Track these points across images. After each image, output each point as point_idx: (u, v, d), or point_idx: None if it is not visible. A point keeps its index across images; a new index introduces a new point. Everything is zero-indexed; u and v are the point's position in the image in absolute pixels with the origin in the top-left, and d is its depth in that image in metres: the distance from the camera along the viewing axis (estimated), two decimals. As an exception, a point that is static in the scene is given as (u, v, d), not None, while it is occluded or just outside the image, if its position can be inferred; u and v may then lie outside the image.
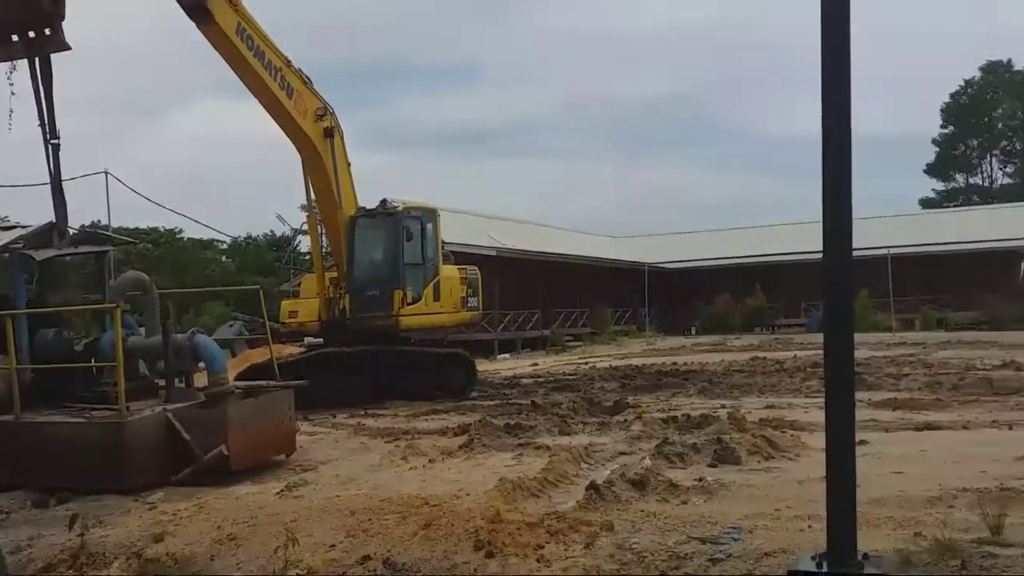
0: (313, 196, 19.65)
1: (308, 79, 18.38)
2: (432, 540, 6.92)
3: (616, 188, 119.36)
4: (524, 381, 22.85)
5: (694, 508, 7.99)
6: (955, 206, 67.85)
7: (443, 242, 21.81)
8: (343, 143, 19.28)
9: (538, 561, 6.50)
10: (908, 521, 7.30)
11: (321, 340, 20.38)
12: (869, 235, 46.71)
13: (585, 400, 16.76)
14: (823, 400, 3.94)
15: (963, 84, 73.75)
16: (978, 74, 73.04)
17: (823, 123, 3.81)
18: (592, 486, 8.40)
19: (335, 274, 20.05)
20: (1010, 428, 12.22)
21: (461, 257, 24.90)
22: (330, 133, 18.77)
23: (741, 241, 54.56)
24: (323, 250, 21.12)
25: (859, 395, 15.94)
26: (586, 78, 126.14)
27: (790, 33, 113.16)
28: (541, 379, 23.22)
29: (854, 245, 3.78)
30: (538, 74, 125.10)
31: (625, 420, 14.04)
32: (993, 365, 20.43)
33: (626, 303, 51.00)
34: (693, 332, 49.04)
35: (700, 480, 8.97)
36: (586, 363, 28.75)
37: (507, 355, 36.50)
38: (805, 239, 36.68)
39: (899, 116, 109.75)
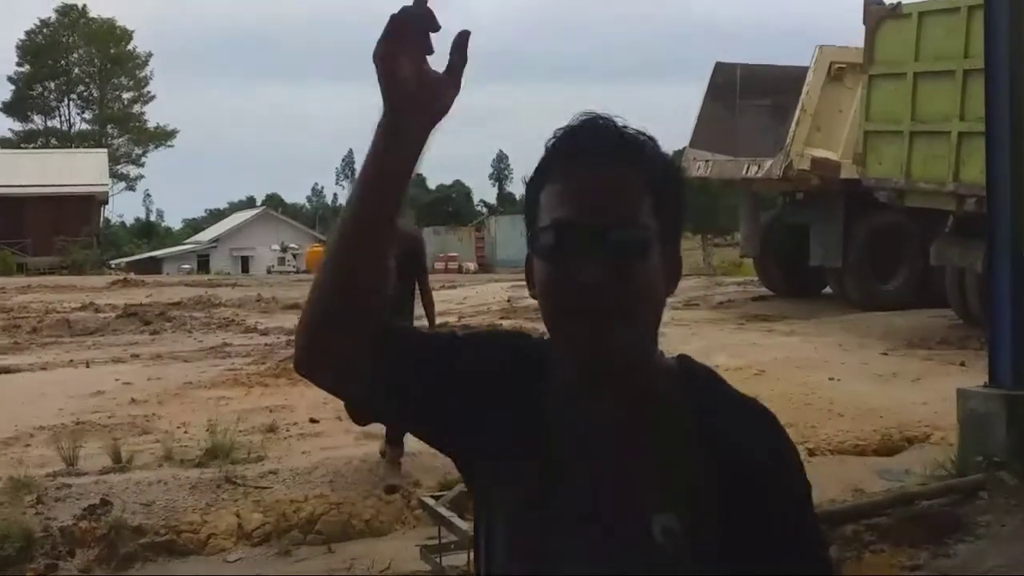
0: None
1: None
2: None
3: None
4: None
5: None
6: (34, 147, 66.83)
7: None
8: None
9: None
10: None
11: None
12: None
13: None
14: None
15: (39, 23, 72.52)
16: (54, 15, 72.50)
17: None
18: None
19: None
20: (87, 366, 12.84)
21: None
22: None
23: None
24: None
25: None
26: None
27: None
28: None
29: None
30: None
31: None
32: (73, 308, 20.83)
33: None
34: None
35: None
36: None
37: None
38: None
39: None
